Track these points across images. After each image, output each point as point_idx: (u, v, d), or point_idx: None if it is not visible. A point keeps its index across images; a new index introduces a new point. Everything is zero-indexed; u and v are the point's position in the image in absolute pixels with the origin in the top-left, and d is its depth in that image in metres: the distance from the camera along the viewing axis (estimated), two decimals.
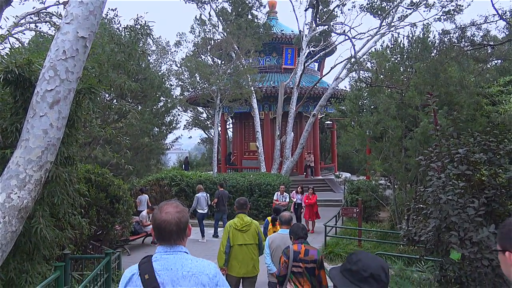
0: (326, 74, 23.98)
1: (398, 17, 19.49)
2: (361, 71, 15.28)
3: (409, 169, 10.81)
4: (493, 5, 9.20)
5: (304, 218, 14.16)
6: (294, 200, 14.56)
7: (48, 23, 10.74)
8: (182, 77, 23.46)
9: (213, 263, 2.27)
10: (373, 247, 11.09)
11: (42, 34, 10.90)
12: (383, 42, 19.33)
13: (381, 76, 12.61)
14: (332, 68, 22.08)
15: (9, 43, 9.52)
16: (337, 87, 21.66)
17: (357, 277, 1.87)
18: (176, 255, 2.17)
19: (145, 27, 7.51)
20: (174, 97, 24.42)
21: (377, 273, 1.87)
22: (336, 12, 22.29)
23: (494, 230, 4.29)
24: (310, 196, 14.07)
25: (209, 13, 22.06)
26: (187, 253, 2.22)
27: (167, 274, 2.11)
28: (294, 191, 14.89)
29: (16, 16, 10.30)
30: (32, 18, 10.66)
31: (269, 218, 8.10)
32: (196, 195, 13.14)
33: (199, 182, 16.63)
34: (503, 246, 1.87)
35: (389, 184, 13.26)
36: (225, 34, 20.72)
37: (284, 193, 14.03)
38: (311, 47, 22.13)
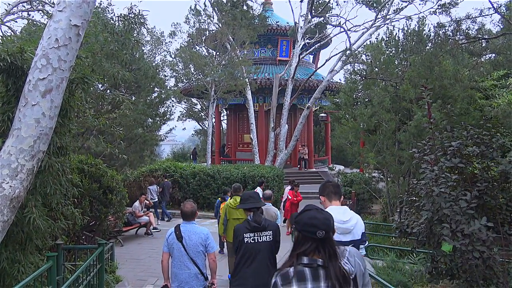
0: (321, 66, 23.96)
1: (394, 10, 19.44)
2: (356, 64, 15.29)
3: (402, 162, 10.87)
4: None
5: (286, 218, 12.65)
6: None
7: (40, 11, 10.60)
8: (176, 68, 23.30)
9: (206, 229, 4.77)
10: None
11: (34, 22, 10.75)
12: (379, 35, 19.29)
13: (376, 69, 12.63)
14: (327, 61, 22.03)
15: (1, 31, 9.40)
16: (331, 80, 21.64)
17: (243, 199, 4.56)
18: (190, 225, 4.66)
19: (139, 16, 7.41)
20: (168, 88, 24.27)
21: (251, 195, 4.56)
22: (332, 4, 22.25)
23: (485, 222, 4.33)
24: (295, 192, 12.51)
25: (204, 3, 21.84)
26: (195, 224, 4.70)
27: (186, 232, 4.57)
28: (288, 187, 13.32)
29: (8, 4, 10.16)
30: (24, 6, 10.51)
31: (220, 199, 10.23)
32: (148, 187, 14.55)
33: (193, 174, 16.70)
34: (320, 193, 3.69)
35: (382, 176, 13.33)
36: (220, 25, 20.57)
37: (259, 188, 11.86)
38: (306, 39, 22.07)
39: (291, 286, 2.16)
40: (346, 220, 3.46)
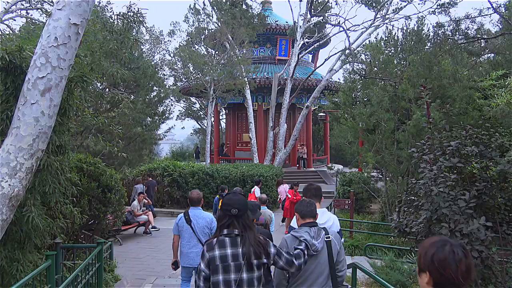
0: (320, 65, 23.96)
1: (393, 10, 19.47)
2: (355, 63, 15.28)
3: (401, 162, 10.87)
4: None
5: (285, 217, 12.60)
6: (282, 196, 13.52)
7: (39, 9, 10.59)
8: (175, 67, 23.28)
9: (210, 214, 5.74)
10: (364, 239, 11.18)
11: (33, 21, 10.73)
12: (378, 34, 19.27)
13: (375, 69, 12.62)
14: (326, 60, 22.07)
15: (0, 30, 9.38)
16: (330, 79, 21.63)
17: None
18: (197, 210, 5.44)
19: (138, 15, 7.39)
20: (167, 87, 24.26)
21: (250, 205, 4.35)
22: (331, 3, 22.26)
23: (484, 222, 4.34)
24: (295, 192, 12.28)
25: (203, 2, 21.82)
26: (201, 209, 5.50)
27: (194, 216, 5.35)
28: (283, 186, 13.94)
29: (7, 2, 10.15)
30: (23, 5, 10.51)
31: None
32: (135, 186, 14.58)
33: (192, 173, 16.70)
34: (303, 195, 4.09)
35: (381, 176, 13.35)
36: (219, 24, 20.55)
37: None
38: (306, 38, 22.06)
39: (214, 252, 2.84)
40: (323, 222, 3.97)
